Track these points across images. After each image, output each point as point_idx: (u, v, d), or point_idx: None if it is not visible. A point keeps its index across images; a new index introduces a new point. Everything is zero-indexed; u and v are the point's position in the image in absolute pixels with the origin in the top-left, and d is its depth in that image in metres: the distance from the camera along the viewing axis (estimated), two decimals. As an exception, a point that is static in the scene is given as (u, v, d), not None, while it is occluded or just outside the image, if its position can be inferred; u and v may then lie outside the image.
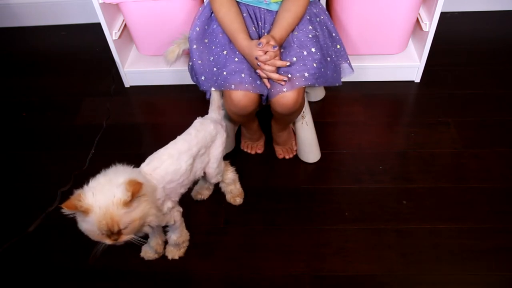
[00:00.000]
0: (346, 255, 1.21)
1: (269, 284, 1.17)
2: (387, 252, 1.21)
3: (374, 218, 1.29)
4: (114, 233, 0.91)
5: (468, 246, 1.21)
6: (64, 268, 1.24)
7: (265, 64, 1.11)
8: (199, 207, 1.35)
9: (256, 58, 1.11)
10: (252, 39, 1.17)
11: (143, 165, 1.05)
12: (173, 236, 1.18)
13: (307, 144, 1.42)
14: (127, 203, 0.88)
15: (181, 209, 1.16)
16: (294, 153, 1.47)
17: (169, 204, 1.08)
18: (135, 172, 1.00)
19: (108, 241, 0.93)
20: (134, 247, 1.26)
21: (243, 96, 1.15)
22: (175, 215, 1.13)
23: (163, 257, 1.24)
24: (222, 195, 1.34)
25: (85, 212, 0.88)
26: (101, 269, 1.23)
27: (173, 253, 1.22)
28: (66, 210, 0.89)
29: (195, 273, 1.20)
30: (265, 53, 1.10)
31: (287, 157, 1.46)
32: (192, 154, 1.09)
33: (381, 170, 1.41)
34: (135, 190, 0.88)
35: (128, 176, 0.93)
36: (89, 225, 0.90)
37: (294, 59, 1.15)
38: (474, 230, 1.24)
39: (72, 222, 1.33)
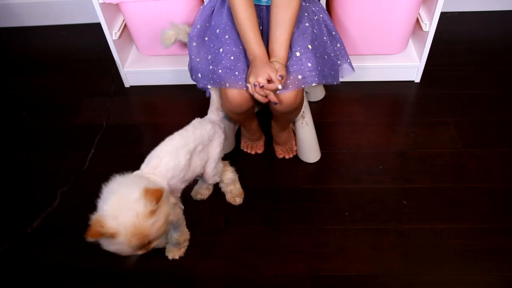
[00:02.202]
0: (346, 255, 1.21)
1: (269, 284, 1.17)
2: (387, 252, 1.21)
3: (374, 218, 1.29)
4: (145, 245, 0.91)
5: (468, 246, 1.21)
6: (64, 268, 1.24)
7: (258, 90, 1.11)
8: (199, 207, 1.35)
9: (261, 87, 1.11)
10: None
11: (142, 166, 1.06)
12: (174, 235, 1.18)
13: (307, 144, 1.42)
14: (153, 213, 0.88)
15: (182, 207, 1.16)
16: (294, 153, 1.47)
17: (172, 200, 1.08)
18: (137, 177, 0.99)
19: (140, 252, 0.93)
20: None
21: (237, 94, 1.15)
22: (178, 213, 1.12)
23: (163, 257, 1.24)
24: (222, 195, 1.34)
25: (113, 236, 0.87)
26: (101, 269, 1.23)
27: (173, 253, 1.22)
28: (91, 239, 0.87)
29: (195, 273, 1.20)
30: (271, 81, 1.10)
31: (287, 157, 1.46)
32: (190, 150, 1.09)
33: (381, 170, 1.41)
34: (158, 197, 0.88)
35: (137, 186, 0.91)
36: (119, 246, 0.89)
37: (288, 62, 1.15)
38: (474, 230, 1.25)
39: (72, 222, 1.33)
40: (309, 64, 1.15)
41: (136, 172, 1.03)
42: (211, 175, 1.21)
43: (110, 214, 0.88)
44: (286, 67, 1.15)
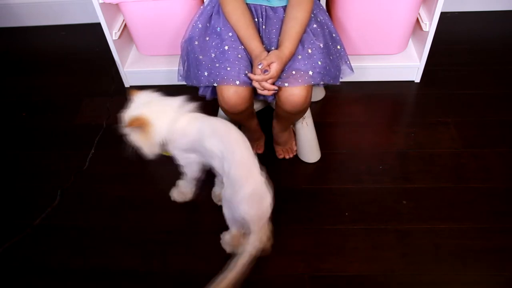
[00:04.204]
0: (346, 255, 1.21)
1: (269, 284, 1.17)
2: (387, 252, 1.21)
3: (374, 218, 1.29)
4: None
5: (468, 246, 1.21)
6: (64, 268, 1.24)
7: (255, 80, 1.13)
8: (199, 207, 1.35)
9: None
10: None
11: (201, 115, 1.15)
12: (180, 182, 1.32)
13: (307, 144, 1.42)
14: (128, 124, 1.10)
15: (197, 173, 1.24)
16: (294, 153, 1.47)
17: (192, 156, 1.17)
18: (177, 114, 1.12)
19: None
20: (134, 246, 1.27)
21: (233, 93, 1.15)
22: (190, 169, 1.22)
23: (163, 257, 1.24)
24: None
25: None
26: (101, 269, 1.23)
27: (173, 194, 1.35)
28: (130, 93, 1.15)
29: (195, 273, 1.20)
30: (263, 71, 1.12)
31: (287, 157, 1.46)
32: (221, 150, 1.08)
33: (381, 170, 1.41)
34: (129, 123, 1.09)
35: (168, 116, 1.11)
36: None
37: (299, 57, 1.16)
38: (474, 230, 1.25)
39: (72, 222, 1.33)
40: (319, 63, 1.16)
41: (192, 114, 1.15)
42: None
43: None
44: (298, 62, 1.16)
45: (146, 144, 1.12)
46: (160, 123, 1.10)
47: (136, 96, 1.15)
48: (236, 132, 1.11)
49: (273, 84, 1.14)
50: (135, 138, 1.12)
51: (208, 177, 1.35)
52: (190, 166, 1.22)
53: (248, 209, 1.04)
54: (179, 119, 1.12)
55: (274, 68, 1.11)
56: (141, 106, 1.12)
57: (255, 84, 1.14)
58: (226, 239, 1.20)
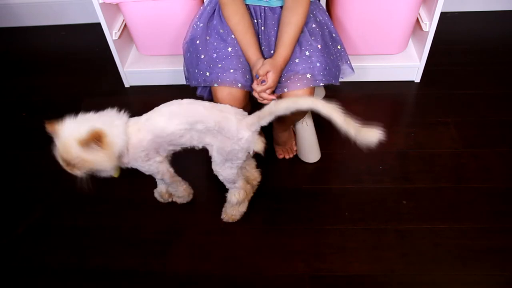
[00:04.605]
0: (346, 255, 1.21)
1: (269, 284, 1.17)
2: (387, 252, 1.21)
3: (374, 218, 1.29)
4: (69, 164, 1.02)
5: (468, 246, 1.21)
6: (64, 268, 1.24)
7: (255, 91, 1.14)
8: (199, 207, 1.35)
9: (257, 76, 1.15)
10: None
11: (142, 116, 1.11)
12: (161, 186, 1.31)
13: (307, 144, 1.42)
14: (82, 143, 0.97)
15: (171, 170, 1.22)
16: (294, 153, 1.47)
17: (157, 158, 1.14)
18: (122, 121, 1.06)
19: (66, 169, 1.04)
20: (134, 246, 1.27)
21: (227, 94, 1.16)
22: (163, 172, 1.19)
23: (163, 257, 1.24)
24: (222, 195, 1.34)
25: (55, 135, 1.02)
26: (101, 269, 1.23)
27: (174, 199, 1.34)
28: (48, 127, 1.02)
29: (195, 273, 1.20)
30: (261, 81, 1.13)
31: (287, 157, 1.46)
32: (188, 122, 1.07)
33: (381, 170, 1.41)
34: (87, 139, 0.97)
35: (116, 124, 1.04)
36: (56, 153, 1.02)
37: (297, 60, 1.16)
38: (474, 230, 1.24)
39: (72, 222, 1.33)
40: (318, 64, 1.16)
41: (126, 119, 1.09)
42: (216, 170, 1.18)
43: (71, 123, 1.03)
44: (295, 65, 1.16)
45: (106, 159, 1.02)
46: (115, 132, 1.03)
47: (60, 127, 1.02)
48: (181, 101, 1.11)
49: (273, 91, 1.15)
50: (93, 156, 1.00)
51: (206, 177, 1.35)
52: (159, 170, 1.18)
53: (247, 131, 1.09)
54: (126, 128, 1.06)
55: (271, 78, 1.12)
56: (82, 124, 1.01)
57: (255, 94, 1.15)
58: (236, 197, 1.24)
